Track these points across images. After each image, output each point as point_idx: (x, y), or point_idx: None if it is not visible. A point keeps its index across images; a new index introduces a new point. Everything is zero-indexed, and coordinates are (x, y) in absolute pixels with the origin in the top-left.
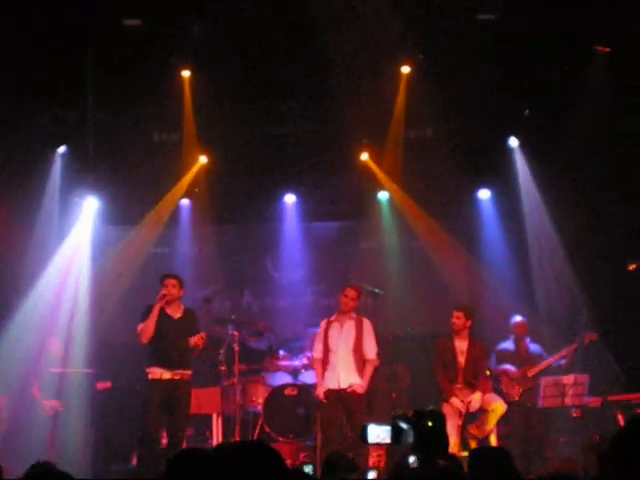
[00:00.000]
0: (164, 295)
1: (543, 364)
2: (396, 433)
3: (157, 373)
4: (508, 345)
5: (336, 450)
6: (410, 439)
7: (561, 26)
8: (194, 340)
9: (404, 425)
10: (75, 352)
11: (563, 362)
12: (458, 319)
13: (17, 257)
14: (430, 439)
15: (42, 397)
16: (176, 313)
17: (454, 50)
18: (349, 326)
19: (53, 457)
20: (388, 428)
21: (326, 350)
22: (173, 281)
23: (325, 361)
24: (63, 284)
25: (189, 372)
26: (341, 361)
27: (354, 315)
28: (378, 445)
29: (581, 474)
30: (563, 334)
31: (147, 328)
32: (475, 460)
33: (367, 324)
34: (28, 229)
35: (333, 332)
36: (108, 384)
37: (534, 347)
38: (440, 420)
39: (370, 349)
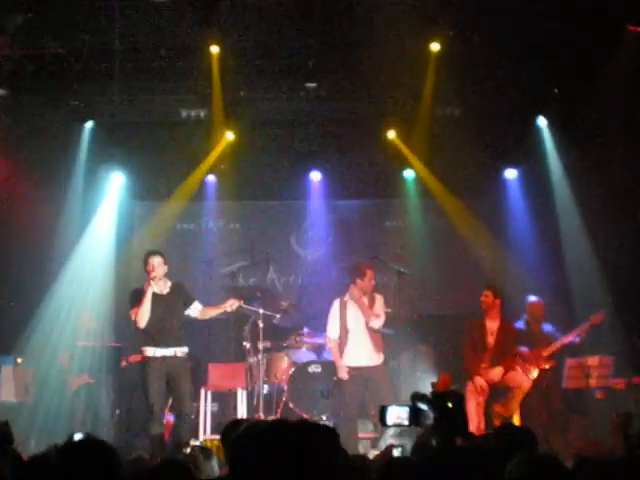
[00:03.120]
0: (154, 277)
1: (557, 344)
2: (415, 414)
3: (151, 351)
4: (520, 325)
5: None
6: (429, 420)
7: (591, 4)
8: (228, 306)
9: (423, 406)
10: (104, 326)
11: (578, 340)
12: (486, 297)
13: (48, 232)
14: (450, 420)
15: (72, 370)
16: (164, 290)
17: (483, 28)
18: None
19: (79, 429)
20: (407, 409)
21: (344, 329)
22: (158, 259)
23: (343, 341)
24: (93, 259)
25: (184, 349)
26: (360, 338)
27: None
28: (398, 426)
29: (606, 456)
30: (591, 314)
31: (142, 313)
32: (499, 438)
33: (379, 298)
34: (57, 204)
35: (350, 312)
36: (139, 357)
37: (547, 327)
38: (460, 401)
39: (378, 321)
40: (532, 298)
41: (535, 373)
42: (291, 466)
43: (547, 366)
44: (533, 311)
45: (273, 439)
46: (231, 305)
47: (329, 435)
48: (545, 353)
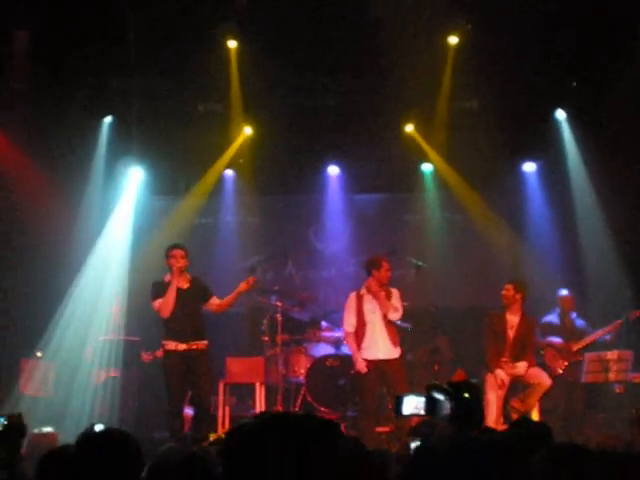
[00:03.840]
0: (179, 268)
1: (588, 339)
2: (431, 404)
3: (172, 345)
4: (553, 318)
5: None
6: (445, 411)
7: None
8: (242, 286)
9: (440, 396)
10: (122, 320)
11: (608, 337)
12: (507, 291)
13: (67, 228)
14: (466, 411)
15: (95, 364)
16: (184, 284)
17: (502, 21)
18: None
19: (100, 422)
20: (424, 399)
21: (361, 322)
22: (182, 252)
23: (360, 333)
24: (112, 253)
25: (205, 342)
26: (377, 331)
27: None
28: (415, 416)
29: (624, 450)
30: (609, 309)
31: (167, 303)
32: (514, 432)
33: (396, 292)
34: (76, 199)
35: (368, 305)
36: (159, 352)
37: (579, 322)
38: (476, 392)
39: (396, 314)
40: (563, 292)
41: (564, 366)
42: (291, 461)
43: (575, 360)
44: (563, 304)
45: (271, 433)
46: (246, 283)
47: (331, 429)
48: (575, 347)
